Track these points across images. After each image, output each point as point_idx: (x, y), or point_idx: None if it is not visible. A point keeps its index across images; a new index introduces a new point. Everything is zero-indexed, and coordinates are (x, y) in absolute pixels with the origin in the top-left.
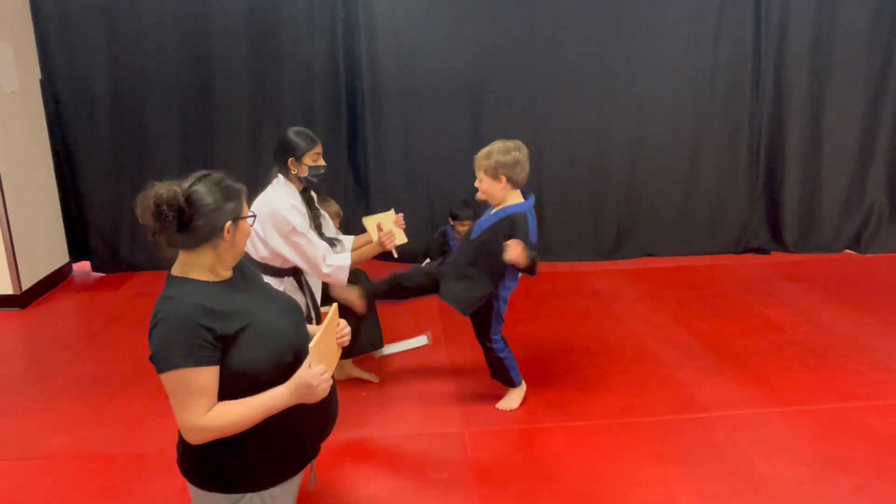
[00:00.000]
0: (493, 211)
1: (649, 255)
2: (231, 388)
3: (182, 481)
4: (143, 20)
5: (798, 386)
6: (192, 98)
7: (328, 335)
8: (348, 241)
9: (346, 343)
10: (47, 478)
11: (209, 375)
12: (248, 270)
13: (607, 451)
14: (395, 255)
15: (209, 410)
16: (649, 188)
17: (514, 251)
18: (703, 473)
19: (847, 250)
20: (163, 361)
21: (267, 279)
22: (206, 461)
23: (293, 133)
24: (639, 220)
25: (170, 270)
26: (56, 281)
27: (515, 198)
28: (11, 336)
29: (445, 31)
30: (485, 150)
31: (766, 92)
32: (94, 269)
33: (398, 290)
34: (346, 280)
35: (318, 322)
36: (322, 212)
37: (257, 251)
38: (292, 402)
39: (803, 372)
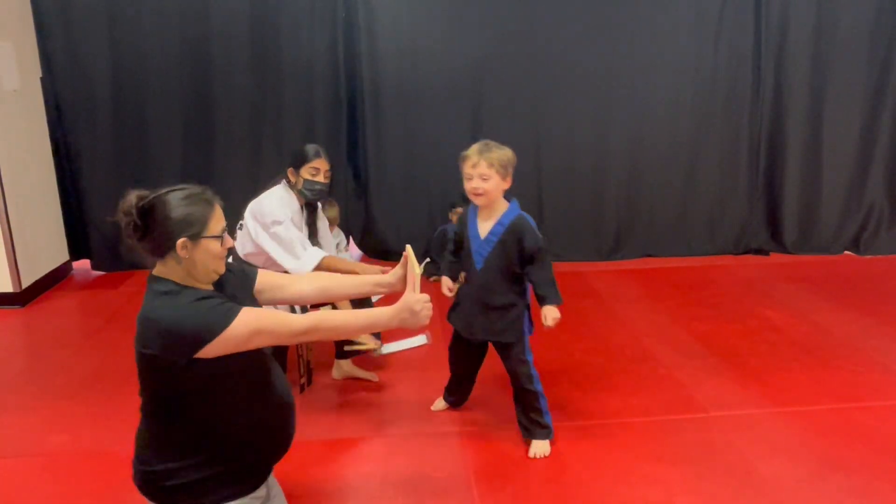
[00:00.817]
0: (482, 221)
1: (649, 255)
2: (203, 380)
3: None
4: (143, 19)
5: (797, 386)
6: (192, 97)
7: (420, 270)
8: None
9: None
10: (47, 475)
11: (253, 310)
12: (236, 291)
13: (606, 451)
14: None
15: (297, 315)
16: (649, 189)
17: (553, 318)
18: (701, 473)
19: (846, 252)
20: (203, 336)
21: None
22: (162, 477)
23: (304, 144)
24: (639, 221)
25: (151, 272)
26: (56, 279)
27: (503, 201)
28: (11, 334)
29: (445, 31)
30: (482, 145)
31: (766, 93)
32: (94, 267)
33: (460, 386)
34: (308, 271)
35: None
36: (319, 242)
37: (243, 248)
38: (394, 324)
39: (802, 372)
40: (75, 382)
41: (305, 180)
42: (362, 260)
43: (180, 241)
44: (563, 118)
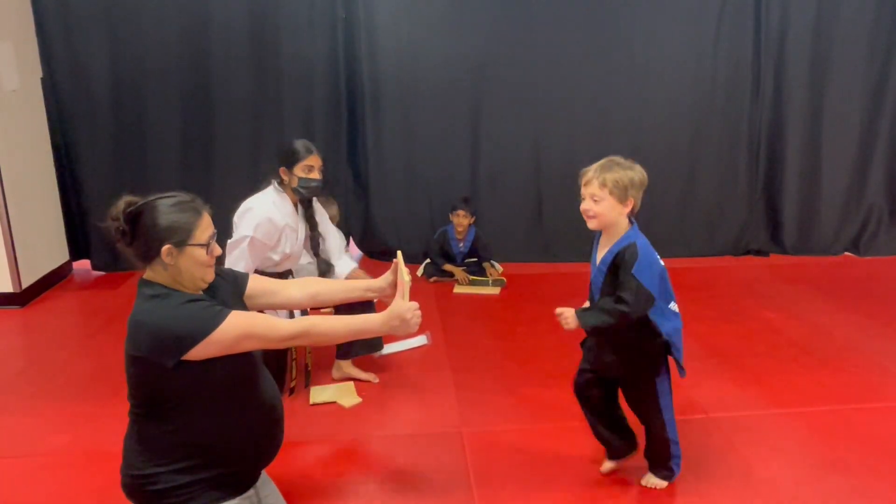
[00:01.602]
0: (601, 248)
1: None
2: (191, 385)
3: None
4: (144, 19)
5: (796, 388)
6: (192, 97)
7: (409, 277)
8: (346, 266)
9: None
10: (47, 475)
11: (242, 313)
12: (226, 297)
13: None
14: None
15: (286, 321)
16: (649, 189)
17: (564, 318)
18: (700, 474)
19: (846, 253)
20: (190, 339)
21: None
22: (149, 483)
23: (294, 140)
24: (638, 222)
25: (142, 275)
26: (56, 279)
27: (623, 225)
28: (11, 334)
29: (446, 31)
30: (605, 162)
31: (766, 95)
32: (94, 267)
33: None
34: None
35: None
36: (322, 234)
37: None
38: (384, 331)
39: (801, 374)
40: (75, 383)
41: (300, 178)
42: (362, 260)
43: (165, 247)
44: (563, 119)
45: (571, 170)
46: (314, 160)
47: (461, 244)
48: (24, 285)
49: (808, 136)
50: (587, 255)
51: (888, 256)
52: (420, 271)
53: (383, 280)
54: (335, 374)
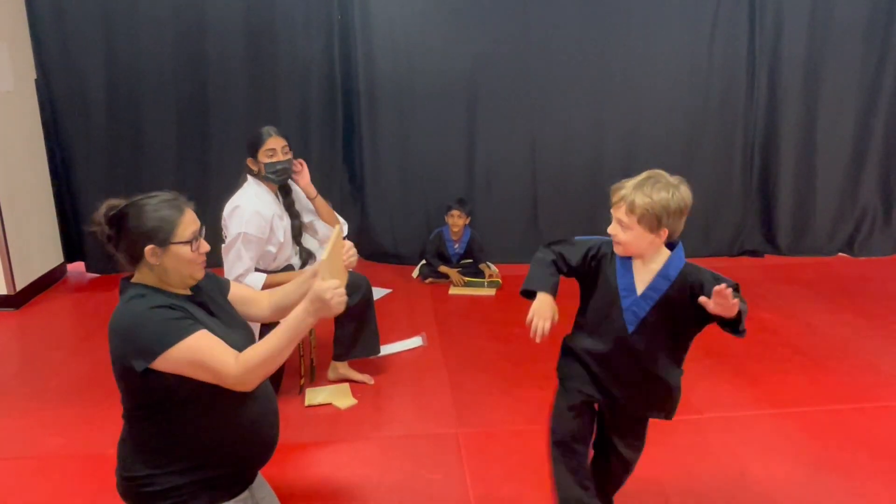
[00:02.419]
0: (640, 268)
1: None
2: (178, 388)
3: None
4: (139, 21)
5: (791, 388)
6: (187, 98)
7: (335, 254)
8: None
9: (353, 263)
10: (41, 478)
11: (207, 337)
12: (213, 294)
13: None
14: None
15: (238, 356)
16: None
17: (729, 300)
18: (695, 474)
19: (840, 253)
20: (155, 348)
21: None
22: (144, 484)
23: (256, 130)
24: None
25: (126, 276)
26: (50, 281)
27: (662, 251)
28: (5, 336)
29: (441, 31)
30: (638, 181)
31: (761, 95)
32: (89, 269)
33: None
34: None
35: None
36: (304, 220)
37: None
38: (311, 318)
39: (796, 374)
40: (69, 385)
41: (265, 164)
42: (358, 262)
43: (148, 248)
44: (558, 119)
45: (567, 171)
46: (274, 142)
47: (457, 245)
48: (19, 287)
49: (803, 138)
50: None
51: (882, 257)
52: (416, 272)
53: (317, 263)
54: (331, 375)
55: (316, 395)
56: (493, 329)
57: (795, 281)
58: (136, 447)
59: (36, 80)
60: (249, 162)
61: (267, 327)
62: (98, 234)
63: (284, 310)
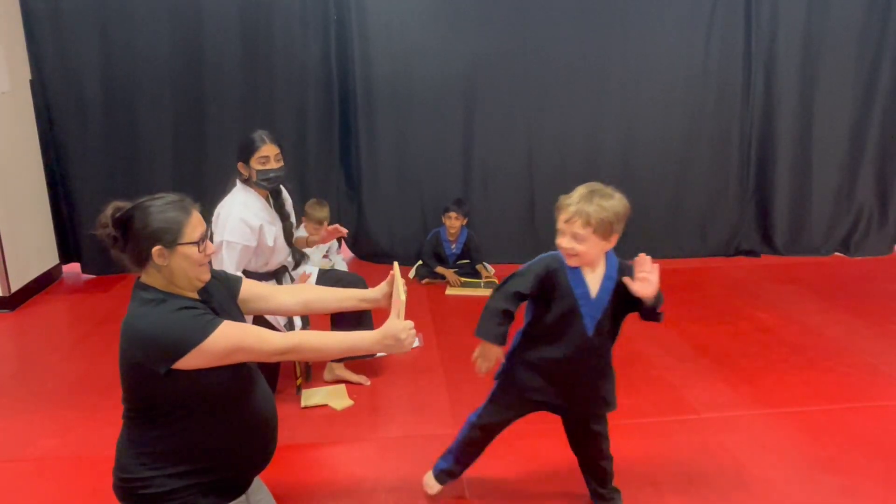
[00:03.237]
0: (590, 275)
1: None
2: (185, 391)
3: None
4: (135, 23)
5: (787, 388)
6: (184, 99)
7: (399, 291)
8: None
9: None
10: (36, 480)
11: (235, 324)
12: (218, 294)
13: None
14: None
15: (278, 334)
16: (641, 191)
17: (653, 284)
18: (692, 474)
19: (836, 253)
20: (181, 348)
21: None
22: (141, 486)
23: (248, 135)
24: (630, 223)
25: (138, 278)
26: (46, 283)
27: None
28: (1, 338)
29: (438, 33)
30: (583, 194)
31: (757, 96)
32: (85, 270)
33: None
34: None
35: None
36: (293, 222)
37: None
38: (377, 349)
39: (792, 374)
40: (65, 387)
41: (258, 171)
42: (353, 262)
43: (156, 249)
44: (555, 120)
45: (563, 172)
46: (268, 150)
47: (453, 246)
48: (14, 289)
49: (799, 138)
50: None
51: (878, 256)
52: (412, 273)
53: (378, 291)
54: (327, 376)
55: (312, 397)
56: None
57: (792, 280)
58: (136, 449)
59: (31, 82)
60: (240, 167)
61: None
62: (103, 237)
63: (312, 310)
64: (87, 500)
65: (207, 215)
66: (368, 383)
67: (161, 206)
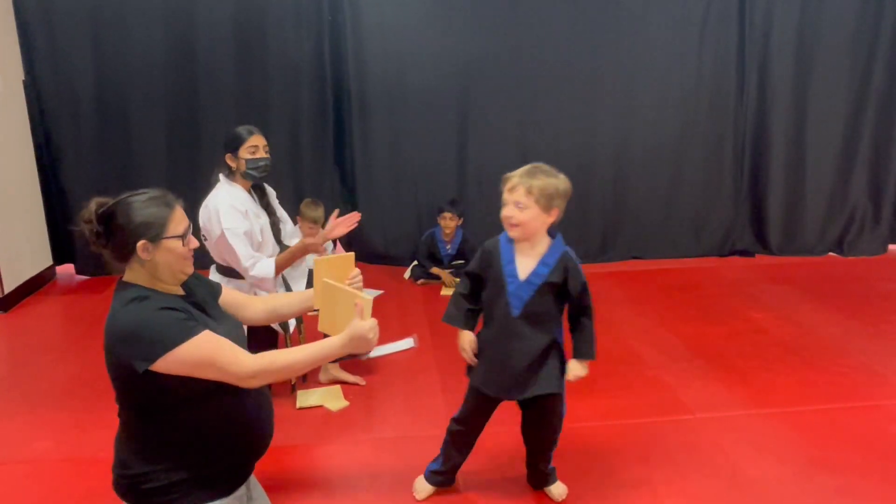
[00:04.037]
0: (522, 258)
1: (635, 257)
2: (173, 388)
3: None
4: (127, 22)
5: (782, 387)
6: (177, 100)
7: (335, 288)
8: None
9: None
10: (30, 482)
11: (213, 336)
12: (204, 292)
13: (593, 453)
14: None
15: (250, 356)
16: (635, 192)
17: (576, 376)
18: (687, 475)
19: (830, 253)
20: (158, 349)
21: (233, 281)
22: (142, 481)
23: (233, 128)
24: (625, 223)
25: (121, 278)
26: (39, 284)
27: (545, 236)
28: None
29: (433, 33)
30: (527, 169)
31: (750, 97)
32: (78, 271)
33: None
34: (273, 288)
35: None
36: (281, 216)
37: (210, 251)
38: (345, 351)
39: (787, 374)
40: (58, 388)
41: (247, 160)
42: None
43: (140, 243)
44: (550, 121)
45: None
46: (257, 140)
47: (448, 246)
48: (7, 290)
49: (793, 139)
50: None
51: (871, 256)
52: (407, 274)
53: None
54: (322, 377)
55: (307, 398)
56: None
57: (786, 281)
58: (133, 445)
59: (24, 82)
60: (228, 158)
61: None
62: (86, 233)
63: (280, 316)
64: (81, 503)
65: (192, 211)
66: (364, 383)
67: (144, 202)
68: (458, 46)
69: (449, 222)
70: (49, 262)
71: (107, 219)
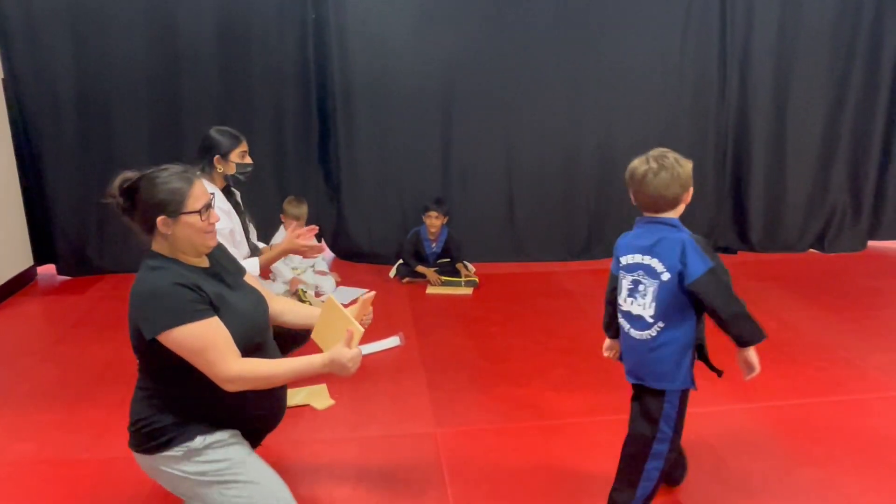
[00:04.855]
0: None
1: None
2: (177, 357)
3: (151, 483)
4: (109, 19)
5: (764, 383)
6: (159, 99)
7: (333, 321)
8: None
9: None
10: (12, 484)
11: (218, 326)
12: (229, 265)
13: (578, 449)
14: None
15: (237, 359)
16: (619, 190)
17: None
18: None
19: (811, 249)
20: (163, 322)
21: None
22: (145, 425)
23: (216, 131)
24: (609, 221)
25: (149, 247)
26: (20, 285)
27: None
28: None
29: (417, 32)
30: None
31: (732, 96)
32: (60, 272)
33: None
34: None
35: None
36: (247, 217)
37: None
38: (324, 372)
39: (769, 369)
40: (40, 390)
41: (238, 164)
42: (334, 262)
43: (160, 218)
44: (534, 119)
45: (542, 170)
46: (245, 145)
47: (434, 245)
48: None
49: (773, 137)
50: (558, 255)
51: (851, 252)
52: (393, 272)
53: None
54: None
55: (293, 396)
56: (470, 328)
57: (768, 277)
58: (144, 393)
59: (3, 80)
60: (216, 160)
61: None
62: (113, 206)
63: (283, 322)
64: None
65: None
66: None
67: (165, 178)
68: (443, 45)
69: (434, 221)
70: (30, 262)
71: (130, 193)
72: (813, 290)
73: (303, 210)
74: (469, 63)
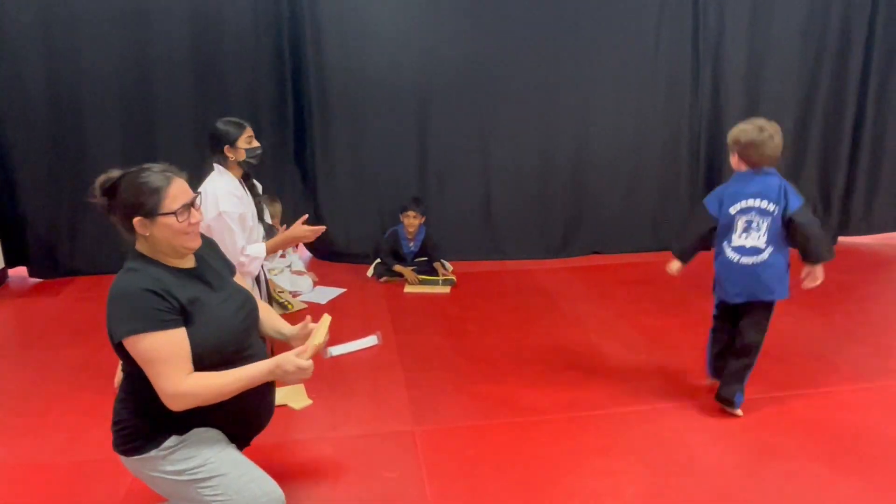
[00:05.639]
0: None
1: (596, 252)
2: None
3: (127, 486)
4: (81, 20)
5: None
6: (132, 99)
7: (321, 340)
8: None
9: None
10: None
11: (177, 339)
12: (215, 264)
13: (555, 445)
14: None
15: (187, 376)
16: (595, 188)
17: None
18: (648, 463)
19: None
20: (125, 328)
21: None
22: (121, 427)
23: (221, 123)
24: (585, 219)
25: (134, 247)
26: None
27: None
28: None
29: (393, 30)
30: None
31: (704, 96)
32: (31, 274)
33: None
34: (257, 271)
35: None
36: (264, 199)
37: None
38: (270, 377)
39: None
40: (10, 394)
41: (247, 150)
42: (311, 262)
43: (136, 219)
44: (510, 118)
45: (519, 169)
46: (250, 130)
47: (411, 244)
48: None
49: None
50: (535, 253)
51: None
52: (370, 272)
53: (293, 329)
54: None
55: None
56: (448, 326)
57: None
58: (124, 395)
59: None
60: (227, 150)
61: None
62: (98, 205)
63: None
64: None
65: (195, 185)
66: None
67: (144, 178)
68: (419, 44)
69: (413, 220)
70: (0, 264)
71: (109, 193)
72: None
73: (276, 208)
74: (446, 63)
